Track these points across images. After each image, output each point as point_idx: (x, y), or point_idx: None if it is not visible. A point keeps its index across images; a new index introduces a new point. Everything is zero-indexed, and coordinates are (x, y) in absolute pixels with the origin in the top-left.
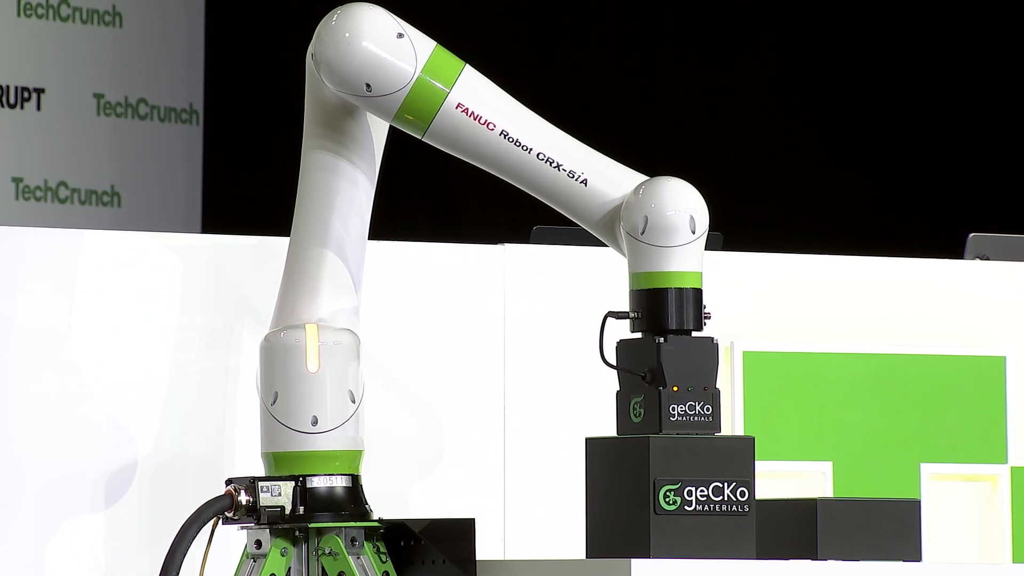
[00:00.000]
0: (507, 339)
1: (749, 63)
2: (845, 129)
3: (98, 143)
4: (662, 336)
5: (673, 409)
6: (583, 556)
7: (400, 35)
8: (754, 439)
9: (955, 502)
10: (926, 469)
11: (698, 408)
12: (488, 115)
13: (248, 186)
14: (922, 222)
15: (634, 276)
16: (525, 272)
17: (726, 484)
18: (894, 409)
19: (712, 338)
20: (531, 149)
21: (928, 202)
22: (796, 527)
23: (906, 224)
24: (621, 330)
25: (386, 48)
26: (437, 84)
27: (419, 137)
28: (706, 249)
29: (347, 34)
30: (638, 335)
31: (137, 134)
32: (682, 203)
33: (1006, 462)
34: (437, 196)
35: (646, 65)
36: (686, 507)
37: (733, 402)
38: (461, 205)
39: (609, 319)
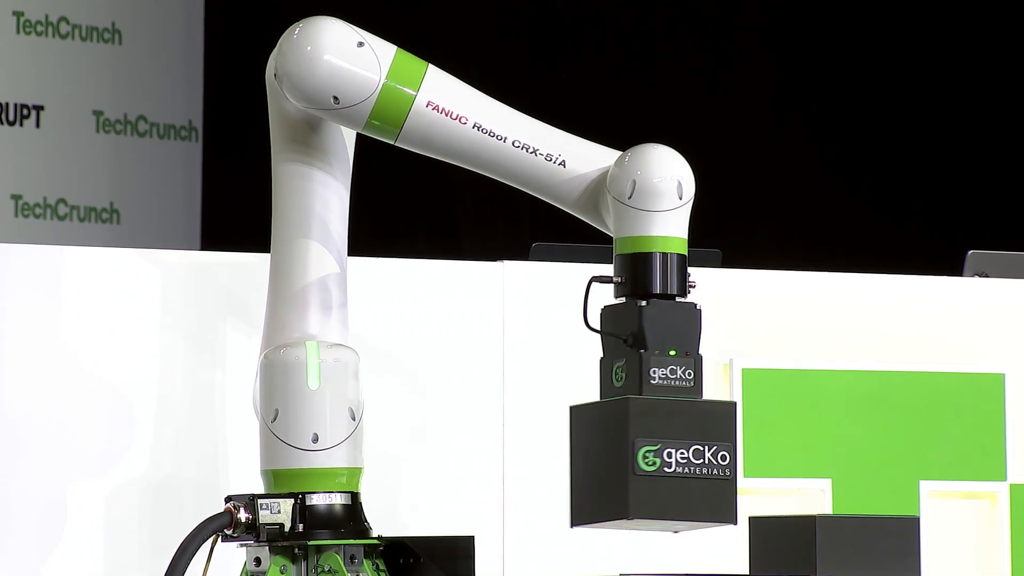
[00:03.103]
0: (506, 355)
1: (747, 81)
2: (844, 146)
3: (97, 160)
4: (645, 300)
5: (654, 372)
6: (582, 575)
7: (360, 44)
8: (735, 404)
9: (954, 520)
10: (925, 486)
11: (680, 372)
12: (458, 109)
13: (247, 203)
14: (921, 239)
15: (619, 241)
16: (524, 289)
17: (707, 448)
18: (893, 426)
19: (695, 304)
20: (506, 138)
21: (927, 219)
22: (795, 544)
23: (905, 241)
24: (606, 297)
25: (349, 59)
26: (403, 88)
27: (392, 142)
28: (705, 266)
29: (308, 48)
30: (622, 300)
31: (136, 151)
32: (669, 169)
33: (1005, 480)
34: (437, 213)
35: (643, 83)
36: (665, 468)
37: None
38: (460, 222)
39: (594, 284)
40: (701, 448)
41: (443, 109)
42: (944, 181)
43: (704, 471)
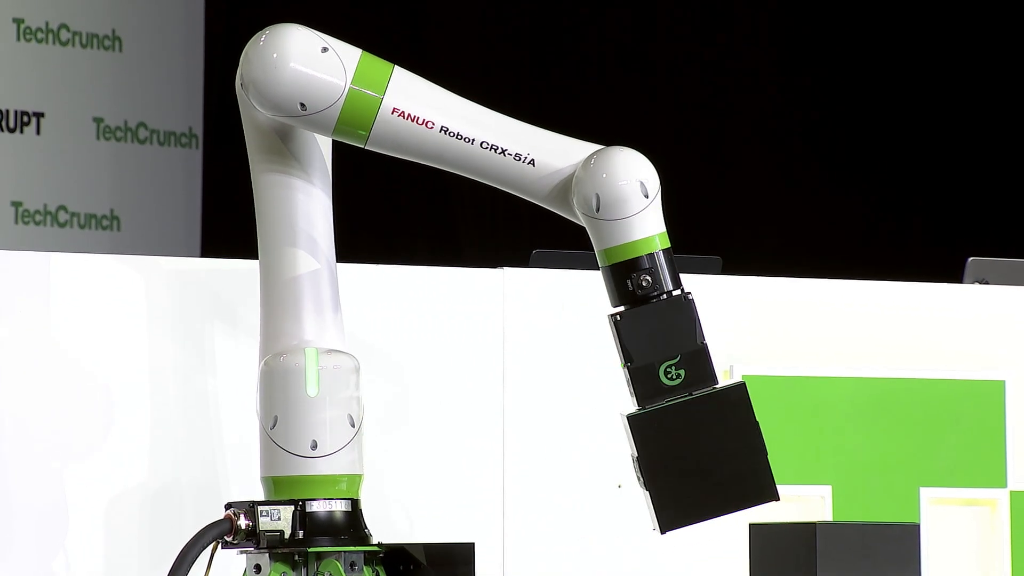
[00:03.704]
0: (506, 362)
1: (747, 87)
2: (844, 154)
3: (98, 167)
4: (618, 313)
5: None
6: None
7: (324, 49)
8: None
9: (954, 526)
10: (925, 493)
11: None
12: (425, 113)
13: (247, 209)
14: (921, 246)
15: (599, 255)
16: (524, 296)
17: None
18: (893, 433)
19: (684, 296)
20: (473, 140)
21: (927, 226)
22: (795, 551)
23: (905, 248)
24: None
25: (313, 65)
26: (369, 92)
27: (362, 146)
28: (706, 273)
29: (274, 56)
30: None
31: (137, 158)
32: (629, 172)
33: (1005, 486)
34: (437, 221)
35: (642, 88)
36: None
37: None
38: (460, 230)
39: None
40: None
41: (409, 114)
42: (944, 188)
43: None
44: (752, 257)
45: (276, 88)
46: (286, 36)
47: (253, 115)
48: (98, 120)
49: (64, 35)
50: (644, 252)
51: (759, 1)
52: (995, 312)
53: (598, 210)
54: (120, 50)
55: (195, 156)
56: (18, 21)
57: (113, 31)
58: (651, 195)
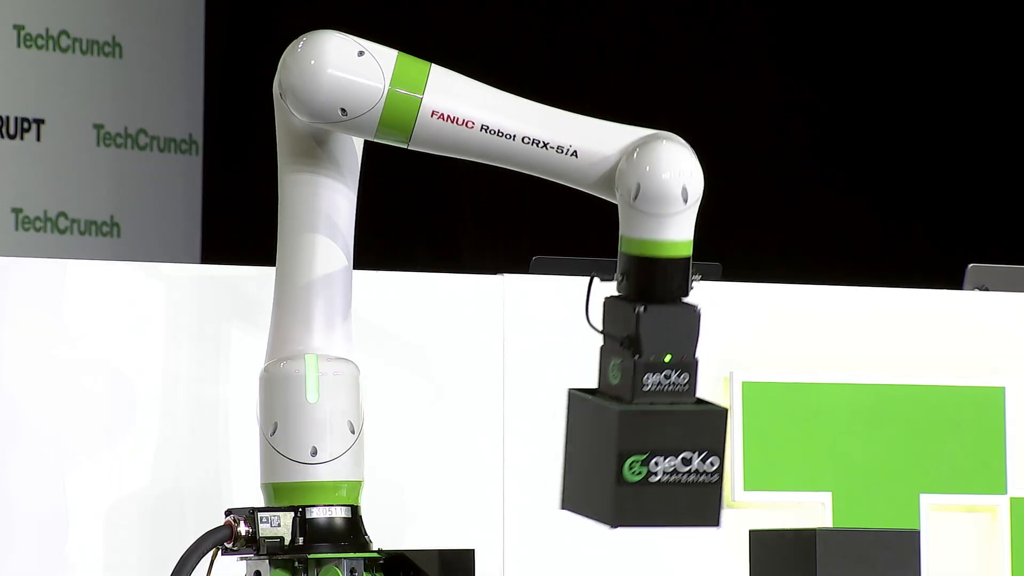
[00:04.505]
0: (506, 369)
1: (747, 91)
2: (845, 160)
3: (98, 174)
4: (643, 304)
5: (648, 379)
6: None
7: (361, 53)
8: (727, 410)
9: (955, 533)
10: (926, 500)
11: (674, 377)
12: (465, 111)
13: (247, 216)
14: (921, 252)
15: (623, 239)
16: (524, 302)
17: (696, 454)
18: (893, 440)
19: (695, 307)
20: (515, 136)
21: (927, 232)
22: (795, 558)
23: (905, 254)
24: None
25: (350, 70)
26: (409, 92)
27: (405, 147)
28: (705, 279)
29: (312, 63)
30: (622, 298)
31: (137, 165)
32: (675, 170)
33: (1006, 493)
34: (437, 226)
35: (641, 90)
36: (651, 478)
37: (732, 432)
38: (460, 235)
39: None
40: (689, 456)
41: (448, 116)
42: (944, 194)
43: (691, 478)
44: (752, 263)
45: (315, 95)
46: (322, 42)
47: (290, 120)
48: (98, 126)
49: (64, 42)
50: (664, 255)
51: (759, 6)
52: (995, 318)
53: (635, 199)
54: (120, 57)
55: (195, 163)
56: (18, 28)
57: (113, 38)
58: (690, 200)
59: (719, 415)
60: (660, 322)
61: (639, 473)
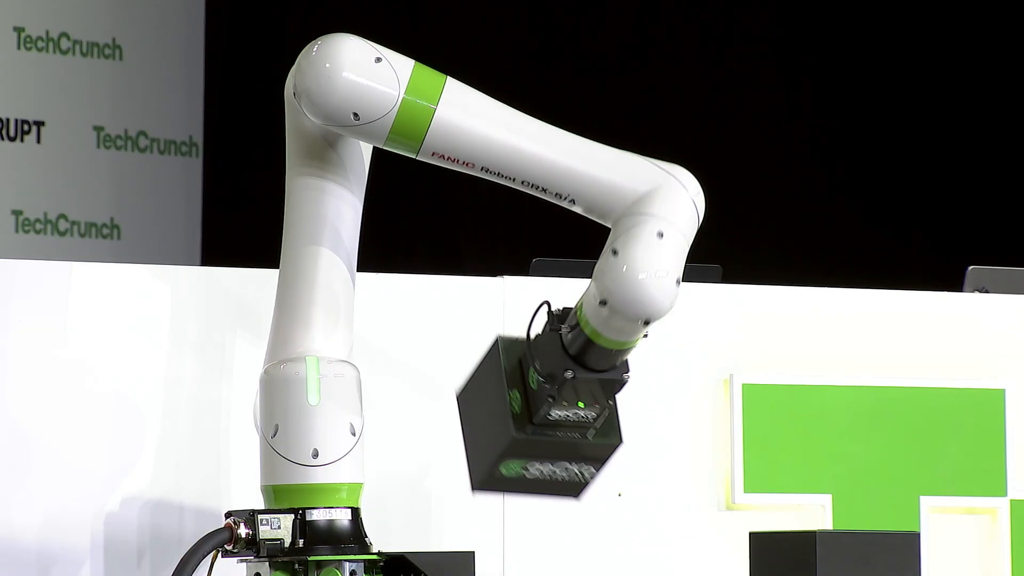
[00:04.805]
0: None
1: (747, 96)
2: (844, 162)
3: (98, 176)
4: (572, 371)
5: (554, 411)
6: None
7: (378, 59)
8: (618, 445)
9: (955, 535)
10: (926, 502)
11: (583, 412)
12: (467, 152)
13: (248, 218)
14: (921, 255)
15: (580, 309)
16: (525, 305)
17: (575, 464)
18: (893, 442)
19: (623, 377)
20: (514, 179)
21: (927, 235)
22: (795, 560)
23: (905, 257)
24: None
25: (366, 75)
26: (422, 102)
27: (413, 156)
28: (705, 282)
29: (327, 66)
30: (564, 343)
31: (137, 167)
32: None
33: (1006, 495)
34: (437, 229)
35: (642, 99)
36: (526, 475)
37: (732, 434)
38: (461, 238)
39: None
40: (568, 464)
41: (449, 157)
42: (944, 197)
43: (564, 476)
44: (752, 266)
45: (329, 98)
46: (339, 46)
47: (301, 122)
48: (98, 129)
49: (64, 44)
50: (624, 347)
51: (759, 8)
52: (995, 321)
53: (602, 305)
54: (120, 59)
55: (195, 165)
56: (19, 30)
57: (113, 40)
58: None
59: (609, 448)
60: (583, 385)
61: (514, 471)
